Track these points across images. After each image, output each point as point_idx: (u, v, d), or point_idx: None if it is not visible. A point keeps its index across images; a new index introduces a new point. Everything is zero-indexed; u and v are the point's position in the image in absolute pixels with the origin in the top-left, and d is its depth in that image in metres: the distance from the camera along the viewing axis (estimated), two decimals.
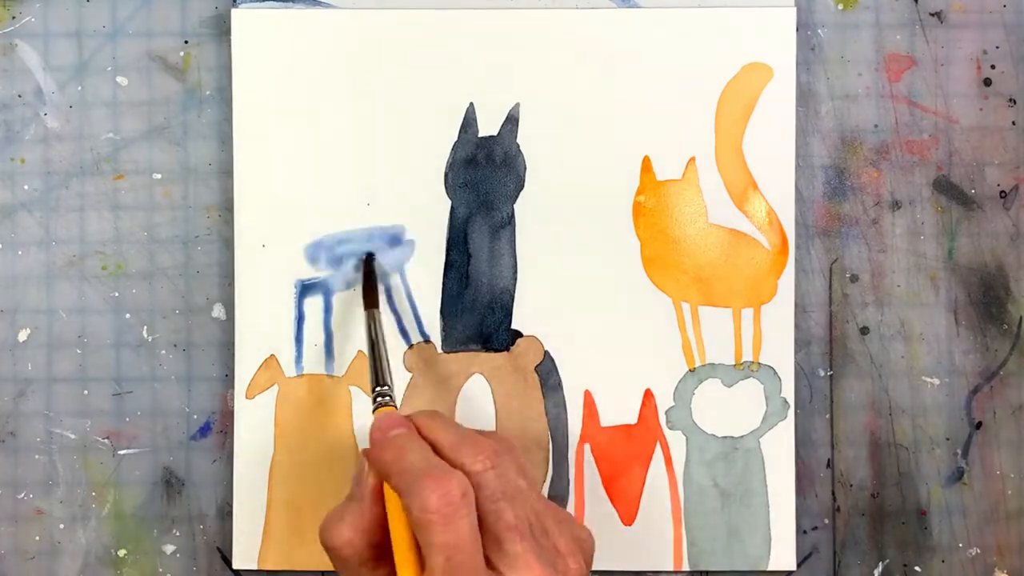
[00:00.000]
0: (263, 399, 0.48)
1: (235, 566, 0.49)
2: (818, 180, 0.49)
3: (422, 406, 0.48)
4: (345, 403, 0.49)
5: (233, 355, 0.48)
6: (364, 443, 0.47)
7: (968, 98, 0.49)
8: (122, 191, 0.49)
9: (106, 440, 0.49)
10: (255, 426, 0.48)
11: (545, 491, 0.49)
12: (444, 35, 0.48)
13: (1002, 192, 0.49)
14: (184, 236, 0.49)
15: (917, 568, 0.50)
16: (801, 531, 0.49)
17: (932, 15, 0.49)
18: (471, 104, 0.49)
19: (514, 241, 0.49)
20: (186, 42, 0.49)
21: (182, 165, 0.49)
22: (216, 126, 0.49)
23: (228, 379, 0.49)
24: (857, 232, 0.49)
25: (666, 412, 0.49)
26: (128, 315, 0.49)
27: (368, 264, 0.48)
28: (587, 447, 0.49)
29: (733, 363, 0.49)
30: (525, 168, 0.49)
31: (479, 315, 0.49)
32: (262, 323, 0.48)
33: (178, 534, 0.49)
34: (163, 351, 0.49)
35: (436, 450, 0.40)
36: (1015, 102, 0.49)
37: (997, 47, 0.49)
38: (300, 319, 0.48)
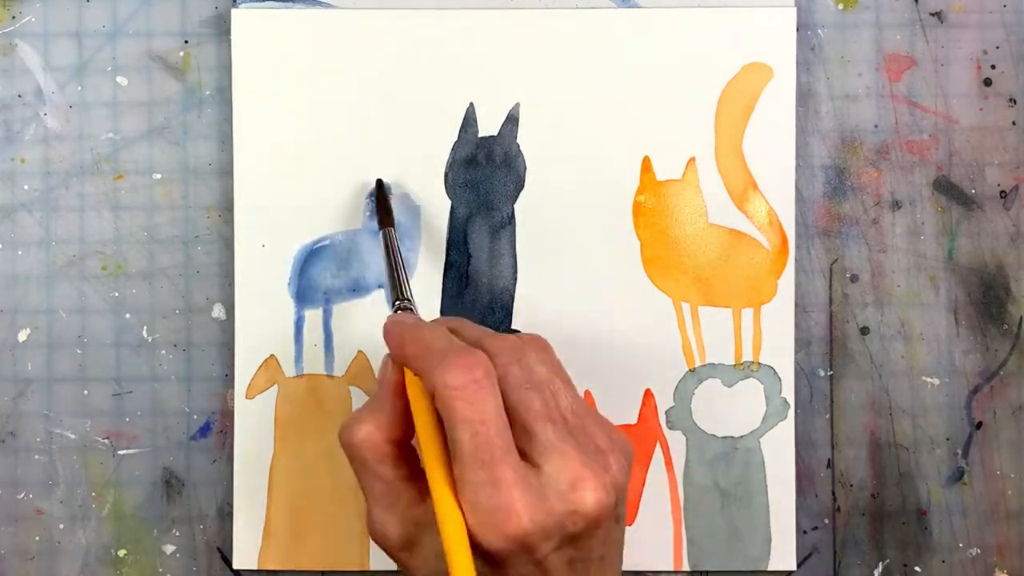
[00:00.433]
0: (263, 399, 0.48)
1: (235, 566, 0.49)
2: (818, 180, 0.49)
3: None
4: (345, 403, 0.49)
5: (233, 355, 0.48)
6: None
7: (968, 98, 0.49)
8: (122, 191, 0.49)
9: (106, 440, 0.49)
10: (255, 426, 0.48)
11: None
12: (444, 35, 0.48)
13: (1002, 192, 0.49)
14: (184, 236, 0.49)
15: (917, 568, 0.50)
16: (801, 531, 0.49)
17: (932, 15, 0.49)
18: (471, 104, 0.49)
19: (514, 241, 0.49)
20: (186, 42, 0.49)
21: (182, 165, 0.49)
22: (216, 126, 0.49)
23: (228, 379, 0.49)
24: (857, 232, 0.49)
25: (666, 412, 0.49)
26: (128, 315, 0.49)
27: (380, 187, 0.48)
28: None
29: (733, 363, 0.49)
30: (525, 168, 0.49)
31: (479, 315, 0.49)
32: (262, 323, 0.48)
33: (178, 534, 0.49)
34: (163, 351, 0.49)
35: None
36: (1015, 102, 0.49)
37: (997, 47, 0.49)
38: (300, 319, 0.48)
